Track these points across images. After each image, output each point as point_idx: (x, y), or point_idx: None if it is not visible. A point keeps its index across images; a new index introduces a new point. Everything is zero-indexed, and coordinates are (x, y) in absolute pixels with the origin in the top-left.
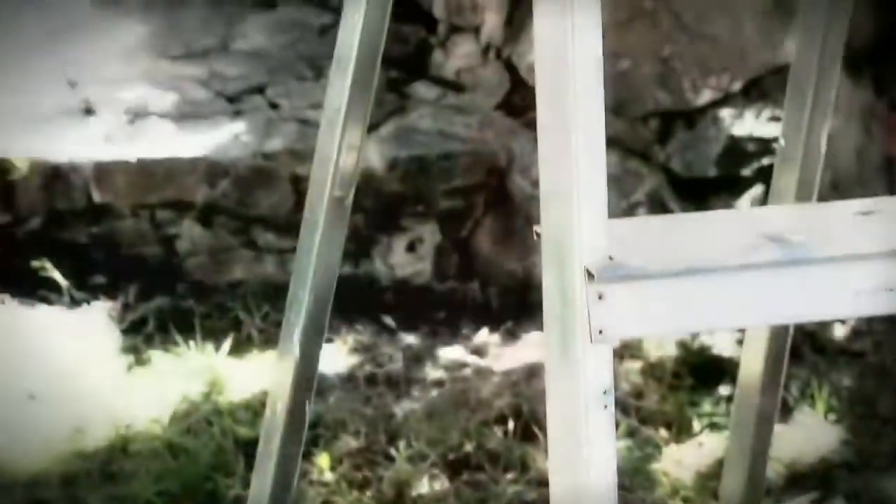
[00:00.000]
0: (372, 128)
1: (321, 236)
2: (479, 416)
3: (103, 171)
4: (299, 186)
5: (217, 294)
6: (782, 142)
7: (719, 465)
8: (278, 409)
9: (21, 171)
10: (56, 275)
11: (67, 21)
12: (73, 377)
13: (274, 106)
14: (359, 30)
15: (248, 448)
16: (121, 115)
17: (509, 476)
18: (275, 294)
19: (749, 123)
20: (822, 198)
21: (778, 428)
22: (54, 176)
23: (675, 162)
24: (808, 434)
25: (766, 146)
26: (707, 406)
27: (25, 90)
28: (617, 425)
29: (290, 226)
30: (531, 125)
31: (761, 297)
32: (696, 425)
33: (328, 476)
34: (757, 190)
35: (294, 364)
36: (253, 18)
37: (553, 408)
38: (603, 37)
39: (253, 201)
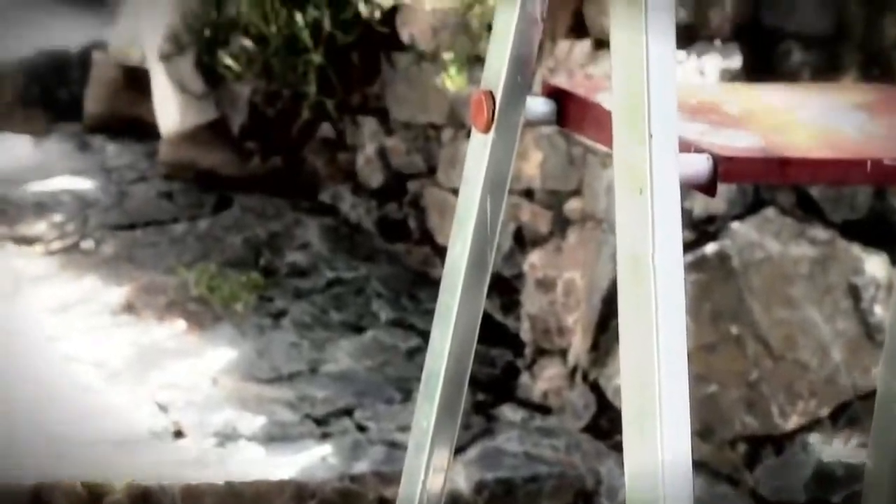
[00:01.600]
0: (459, 450)
1: None
2: None
3: (192, 493)
4: None
5: None
6: (870, 466)
7: None
8: None
9: (115, 494)
10: None
11: (159, 345)
12: None
13: (361, 428)
14: (447, 352)
15: None
16: (210, 438)
17: None
18: None
19: (838, 449)
20: None
21: None
22: (144, 498)
23: (763, 487)
24: None
25: (855, 472)
26: None
27: (117, 414)
28: None
29: None
30: (618, 448)
31: None
32: None
33: None
34: None
35: None
36: (341, 342)
37: None
38: (689, 360)
39: None
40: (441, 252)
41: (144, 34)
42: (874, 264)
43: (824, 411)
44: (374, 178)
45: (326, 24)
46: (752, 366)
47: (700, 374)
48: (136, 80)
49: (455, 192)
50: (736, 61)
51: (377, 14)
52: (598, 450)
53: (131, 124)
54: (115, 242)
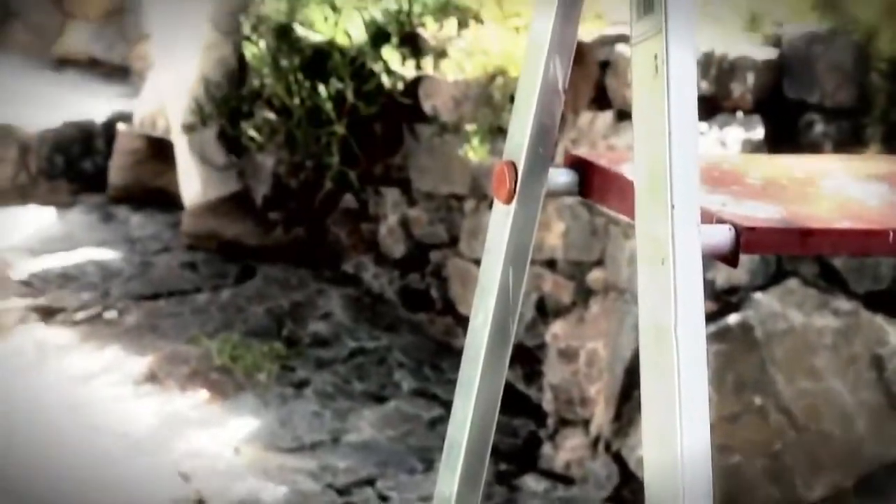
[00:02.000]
0: None
1: None
2: None
3: None
4: None
5: None
6: None
7: None
8: None
9: None
10: None
11: (182, 415)
12: None
13: (384, 498)
14: (469, 422)
15: None
16: None
17: None
18: None
19: None
20: None
21: None
22: None
23: None
24: None
25: None
26: None
27: (140, 483)
28: None
29: None
30: None
31: None
32: None
33: None
34: None
35: None
36: (364, 412)
37: None
38: (712, 430)
39: None
40: (463, 322)
41: (168, 106)
42: None
43: (848, 482)
44: (397, 249)
45: (349, 96)
46: (775, 436)
47: (723, 444)
48: (160, 152)
49: (477, 262)
50: (758, 132)
51: (400, 86)
52: None
53: (155, 195)
54: (138, 312)
